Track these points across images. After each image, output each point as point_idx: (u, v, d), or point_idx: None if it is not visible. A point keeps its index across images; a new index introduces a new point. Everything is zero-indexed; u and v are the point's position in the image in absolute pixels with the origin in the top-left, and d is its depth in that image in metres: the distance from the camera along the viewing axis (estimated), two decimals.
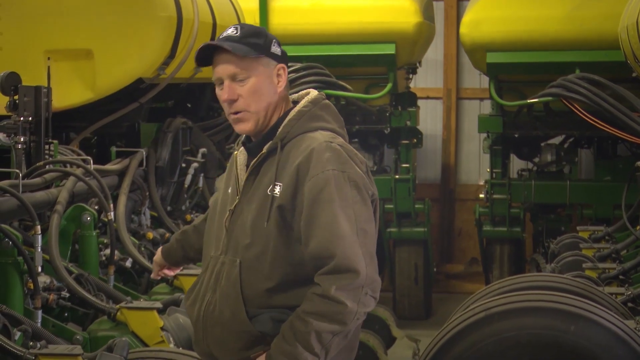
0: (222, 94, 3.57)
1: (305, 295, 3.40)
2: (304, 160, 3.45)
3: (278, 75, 3.58)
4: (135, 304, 5.47)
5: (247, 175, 3.58)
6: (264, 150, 3.55)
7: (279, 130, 3.56)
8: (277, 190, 3.47)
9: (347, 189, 3.43)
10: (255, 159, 3.57)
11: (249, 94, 3.54)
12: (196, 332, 3.64)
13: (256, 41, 3.54)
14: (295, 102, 3.65)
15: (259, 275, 3.48)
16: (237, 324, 3.49)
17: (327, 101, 3.66)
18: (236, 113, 3.57)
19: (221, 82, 3.58)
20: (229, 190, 3.66)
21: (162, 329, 5.32)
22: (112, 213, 6.28)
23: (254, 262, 3.49)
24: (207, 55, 3.59)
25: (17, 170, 5.77)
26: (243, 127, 3.59)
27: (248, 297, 3.49)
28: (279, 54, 3.59)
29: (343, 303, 3.34)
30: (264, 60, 3.56)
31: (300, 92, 3.70)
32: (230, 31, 3.57)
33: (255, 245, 3.50)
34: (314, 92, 3.66)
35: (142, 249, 6.85)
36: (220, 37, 3.58)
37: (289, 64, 9.25)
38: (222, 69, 3.55)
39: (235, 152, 3.69)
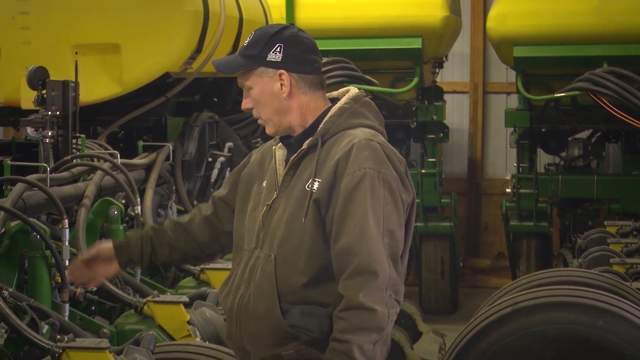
0: (243, 102, 3.68)
1: (333, 319, 3.39)
2: (343, 156, 3.47)
3: (281, 80, 3.57)
4: (162, 297, 5.48)
5: (287, 170, 3.59)
6: (304, 146, 3.56)
7: (320, 126, 3.56)
8: (316, 185, 3.48)
9: (381, 189, 3.43)
10: (295, 155, 3.58)
11: (255, 103, 3.62)
12: (229, 326, 3.64)
13: (251, 52, 3.58)
14: (334, 100, 3.66)
15: (293, 270, 3.48)
16: (271, 319, 3.49)
17: (367, 98, 3.67)
18: (258, 119, 3.65)
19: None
20: (264, 184, 3.67)
21: (188, 322, 5.33)
22: (139, 207, 6.30)
23: (289, 257, 3.50)
24: None
25: (45, 165, 5.80)
26: (268, 131, 3.66)
27: (282, 292, 3.49)
28: (278, 59, 3.55)
29: (373, 309, 3.33)
30: (259, 71, 3.58)
31: (340, 90, 3.70)
32: (247, 39, 3.63)
33: (291, 240, 3.50)
34: (354, 90, 3.67)
35: None
36: None
37: None
38: (238, 80, 3.67)
39: (274, 147, 3.69)
